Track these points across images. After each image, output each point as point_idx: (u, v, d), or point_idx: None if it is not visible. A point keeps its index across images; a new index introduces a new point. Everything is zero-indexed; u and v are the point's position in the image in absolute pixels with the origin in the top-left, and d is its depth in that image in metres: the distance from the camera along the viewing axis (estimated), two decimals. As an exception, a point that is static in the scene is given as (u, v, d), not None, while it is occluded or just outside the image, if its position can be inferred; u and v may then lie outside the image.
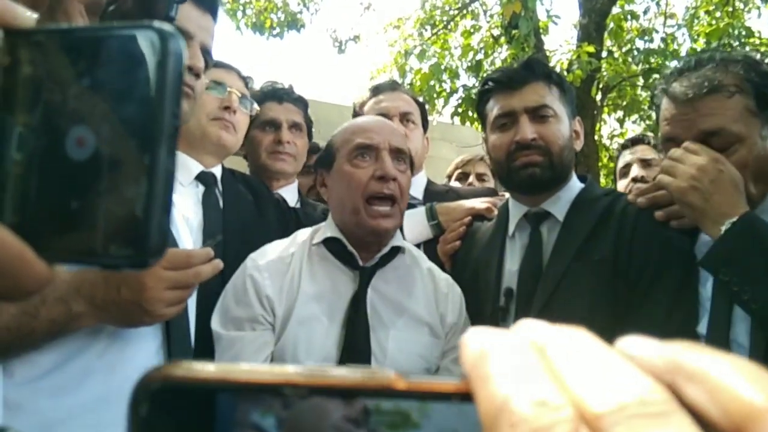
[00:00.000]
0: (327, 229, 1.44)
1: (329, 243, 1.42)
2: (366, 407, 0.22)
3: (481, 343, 0.22)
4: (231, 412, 0.22)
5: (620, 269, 1.33)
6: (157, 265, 0.97)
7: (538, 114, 1.44)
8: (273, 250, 1.44)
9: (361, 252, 1.41)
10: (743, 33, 5.52)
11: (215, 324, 1.37)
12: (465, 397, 0.21)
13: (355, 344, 1.35)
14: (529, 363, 0.21)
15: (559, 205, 1.47)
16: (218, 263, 1.11)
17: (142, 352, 1.10)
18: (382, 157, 1.39)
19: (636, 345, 0.22)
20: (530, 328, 0.23)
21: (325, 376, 0.22)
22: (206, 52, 1.27)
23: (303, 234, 1.49)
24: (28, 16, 0.31)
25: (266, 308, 1.36)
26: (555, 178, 1.45)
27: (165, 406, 0.22)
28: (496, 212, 1.66)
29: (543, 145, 1.43)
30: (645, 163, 2.45)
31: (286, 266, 1.40)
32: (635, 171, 2.45)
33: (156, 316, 1.03)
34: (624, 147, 2.63)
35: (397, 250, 1.45)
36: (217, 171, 1.69)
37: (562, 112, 1.47)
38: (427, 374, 1.30)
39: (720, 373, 0.19)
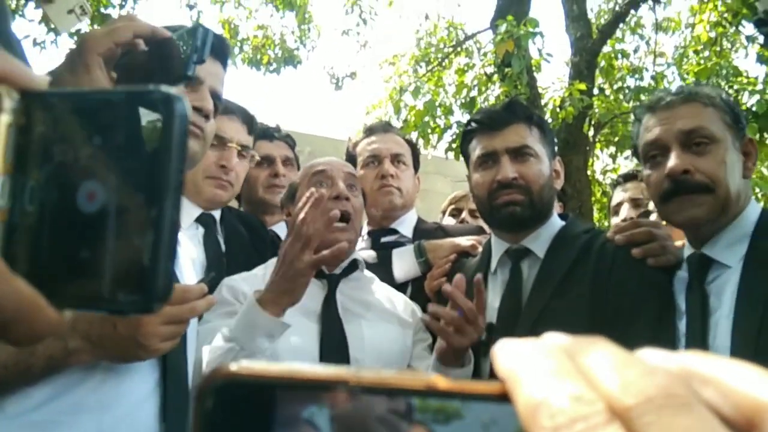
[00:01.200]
0: None
1: None
2: (409, 401, 0.24)
3: (514, 351, 0.24)
4: (287, 408, 0.24)
5: (598, 305, 1.35)
6: None
7: (519, 154, 1.49)
8: (247, 272, 1.60)
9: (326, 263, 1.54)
10: (731, 72, 5.63)
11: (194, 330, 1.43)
12: (503, 397, 0.23)
13: (331, 336, 1.48)
14: (562, 366, 0.23)
15: (539, 242, 1.50)
16: (212, 298, 1.13)
17: (137, 389, 1.10)
18: (336, 182, 1.59)
19: (651, 354, 0.25)
20: (556, 338, 0.25)
21: (375, 376, 0.24)
22: (216, 97, 1.30)
23: (273, 259, 1.59)
24: (43, 79, 0.34)
25: (242, 302, 1.43)
26: (535, 216, 1.49)
27: (228, 402, 0.24)
28: (480, 249, 1.70)
29: (523, 184, 1.47)
30: (635, 203, 2.46)
31: (261, 279, 1.51)
32: (625, 212, 2.48)
33: (151, 350, 1.03)
34: (617, 183, 2.65)
35: (356, 262, 1.63)
36: (216, 212, 1.72)
37: (542, 152, 1.52)
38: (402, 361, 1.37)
39: (730, 375, 0.22)
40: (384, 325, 1.56)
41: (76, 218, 0.32)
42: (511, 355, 0.24)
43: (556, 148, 1.61)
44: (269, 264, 1.58)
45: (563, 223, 1.55)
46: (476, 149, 1.54)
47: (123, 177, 0.32)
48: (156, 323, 1.01)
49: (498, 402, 0.23)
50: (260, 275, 1.56)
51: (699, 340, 1.24)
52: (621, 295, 1.35)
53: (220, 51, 1.34)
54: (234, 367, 0.24)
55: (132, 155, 0.32)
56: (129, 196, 0.32)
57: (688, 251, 1.36)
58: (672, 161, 1.28)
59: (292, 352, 1.40)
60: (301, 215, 1.33)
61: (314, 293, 1.53)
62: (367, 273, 1.68)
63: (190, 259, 1.43)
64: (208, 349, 1.32)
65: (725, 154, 1.29)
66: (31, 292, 0.31)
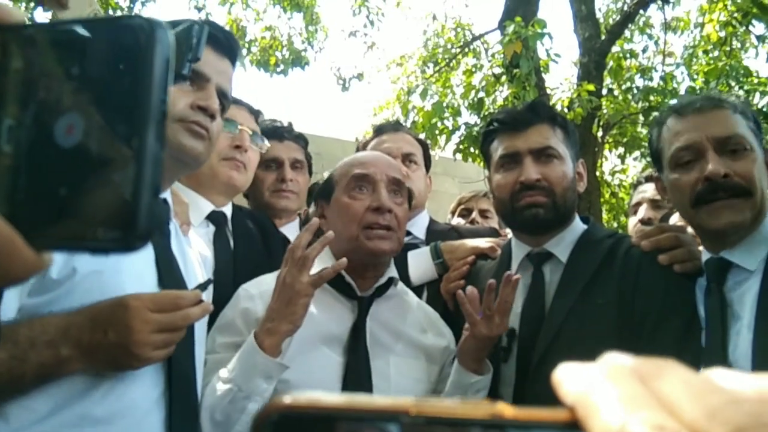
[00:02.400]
0: (324, 260, 1.44)
1: None
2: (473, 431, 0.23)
3: (581, 375, 0.23)
4: None
5: (624, 313, 1.32)
6: (144, 308, 0.97)
7: (543, 155, 1.46)
8: (267, 281, 1.44)
9: (359, 281, 1.43)
10: (741, 72, 5.59)
11: (200, 351, 1.35)
12: (572, 425, 0.22)
13: (356, 372, 1.37)
14: (636, 391, 0.21)
15: (562, 246, 1.47)
16: (208, 306, 1.10)
17: (142, 400, 1.08)
18: (378, 189, 1.42)
19: (723, 375, 0.23)
20: (620, 360, 0.24)
21: (437, 406, 0.23)
22: (223, 95, 1.27)
23: None
24: (20, 13, 0.33)
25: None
26: (558, 219, 1.46)
27: None
28: (499, 252, 1.67)
29: (547, 186, 1.44)
30: (654, 203, 2.45)
31: None
32: (643, 212, 2.46)
33: (143, 359, 1.00)
34: (638, 183, 2.65)
35: (391, 281, 1.48)
36: (228, 210, 1.70)
37: (565, 154, 1.49)
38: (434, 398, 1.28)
39: None
40: (411, 362, 1.45)
41: (54, 154, 0.31)
42: (578, 380, 0.23)
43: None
44: None
45: (585, 227, 1.53)
46: (498, 149, 1.51)
47: (103, 108, 0.31)
48: (147, 331, 0.98)
49: (567, 430, 0.22)
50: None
51: (719, 348, 1.22)
52: (648, 301, 1.32)
53: (228, 47, 1.30)
54: (289, 399, 0.24)
55: (112, 85, 0.31)
56: (109, 128, 0.31)
57: (704, 256, 1.34)
58: (712, 164, 1.25)
59: (311, 386, 1.31)
60: (297, 241, 1.25)
61: (342, 316, 1.42)
62: (402, 286, 1.55)
63: (199, 257, 1.41)
64: (208, 389, 1.26)
65: (757, 160, 1.28)
66: (7, 231, 0.30)
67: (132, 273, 1.09)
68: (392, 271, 1.49)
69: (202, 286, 1.15)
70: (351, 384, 1.35)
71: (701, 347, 1.27)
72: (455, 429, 0.23)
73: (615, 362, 0.24)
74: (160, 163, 0.31)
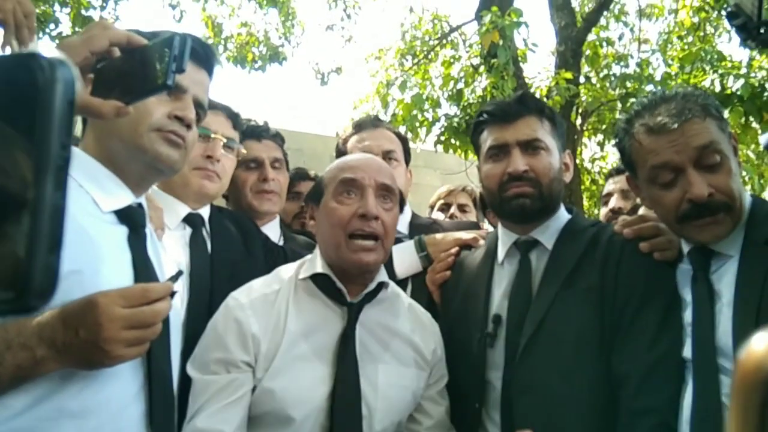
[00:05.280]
0: (314, 264, 1.45)
1: (317, 279, 1.43)
2: None
3: None
4: None
5: (607, 297, 1.37)
6: (113, 304, 0.97)
7: (530, 147, 1.49)
8: (256, 288, 1.44)
9: (349, 287, 1.42)
10: (715, 57, 5.64)
11: (190, 368, 1.36)
12: None
13: (345, 380, 1.36)
14: None
15: (548, 234, 1.51)
16: (173, 304, 1.08)
17: (119, 394, 1.08)
18: (366, 195, 1.41)
19: None
20: None
21: None
22: (199, 106, 1.29)
23: (287, 270, 1.50)
24: None
25: (248, 350, 1.34)
26: (544, 209, 1.50)
27: None
28: (481, 243, 1.69)
29: (534, 177, 1.48)
30: (624, 194, 2.55)
31: (271, 304, 1.40)
32: (614, 202, 2.58)
33: (114, 356, 0.99)
34: (610, 175, 2.76)
35: (381, 285, 1.47)
36: (205, 212, 1.69)
37: (553, 145, 1.53)
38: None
39: None
40: (401, 370, 1.45)
41: None
42: None
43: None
44: (273, 279, 1.47)
45: (570, 216, 1.56)
46: (487, 140, 1.55)
47: None
48: (117, 328, 0.98)
49: None
50: (270, 299, 1.41)
51: (708, 328, 1.26)
52: (630, 285, 1.37)
53: (206, 58, 1.33)
54: None
55: (4, 130, 0.28)
56: (2, 176, 0.27)
57: (687, 246, 1.37)
58: (695, 187, 1.27)
59: (300, 395, 1.32)
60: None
61: (332, 322, 1.41)
62: (393, 289, 1.53)
63: (174, 263, 1.41)
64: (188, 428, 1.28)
65: (731, 164, 1.30)
66: None
67: (110, 274, 1.09)
68: (382, 276, 1.48)
69: (173, 278, 1.14)
70: (340, 393, 1.34)
71: (682, 326, 1.32)
72: None
73: None
74: (60, 214, 0.28)
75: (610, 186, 2.68)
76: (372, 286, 1.45)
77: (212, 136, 1.68)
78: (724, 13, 6.29)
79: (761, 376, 0.23)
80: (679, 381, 1.29)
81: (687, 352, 1.29)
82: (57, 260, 0.28)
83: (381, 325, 1.46)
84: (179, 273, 1.18)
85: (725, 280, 1.28)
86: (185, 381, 1.34)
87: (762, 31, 1.53)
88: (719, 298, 1.28)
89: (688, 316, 1.32)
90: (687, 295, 1.34)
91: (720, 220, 1.29)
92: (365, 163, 1.49)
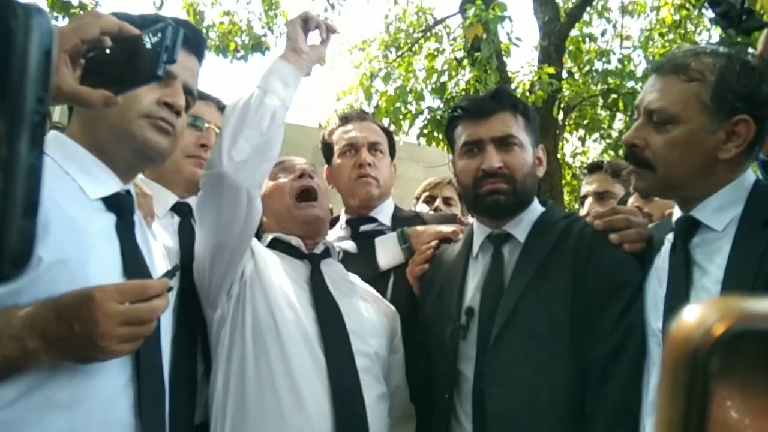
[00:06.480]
0: (266, 237, 1.68)
1: (274, 244, 1.66)
2: None
3: None
4: None
5: (577, 288, 1.40)
6: (110, 299, 0.97)
7: (504, 143, 1.51)
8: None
9: (303, 242, 1.65)
10: (695, 54, 5.72)
11: None
12: None
13: (326, 306, 1.54)
14: None
15: (521, 227, 1.54)
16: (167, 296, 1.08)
17: (108, 384, 1.08)
18: (294, 168, 1.71)
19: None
20: None
21: None
22: (189, 92, 1.28)
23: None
24: None
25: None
26: (518, 204, 1.53)
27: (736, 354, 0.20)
28: (461, 236, 1.72)
29: (508, 173, 1.50)
30: (599, 196, 2.51)
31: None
32: (588, 205, 2.51)
33: (109, 352, 0.99)
34: (584, 175, 2.71)
35: (329, 250, 1.70)
36: (193, 200, 1.69)
37: (526, 141, 1.55)
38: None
39: None
40: (372, 305, 1.64)
41: None
42: None
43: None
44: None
45: (543, 209, 1.59)
46: (462, 136, 1.56)
47: None
48: (112, 323, 0.97)
49: None
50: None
51: (682, 298, 1.27)
52: (599, 276, 1.40)
53: (196, 45, 1.32)
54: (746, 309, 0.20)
55: None
56: None
57: (677, 214, 1.38)
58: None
59: (288, 323, 1.47)
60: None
61: (299, 271, 1.60)
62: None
63: (163, 249, 1.41)
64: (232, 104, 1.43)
65: (687, 138, 1.28)
66: None
67: (97, 263, 1.09)
68: (328, 243, 1.71)
69: (170, 274, 1.14)
70: (321, 312, 1.52)
71: (642, 311, 1.35)
72: None
73: None
74: (37, 175, 0.25)
75: (585, 188, 2.63)
76: (321, 247, 1.67)
77: (206, 125, 1.70)
78: (704, 11, 6.37)
79: (689, 350, 0.22)
80: (642, 359, 1.31)
81: (658, 322, 1.29)
82: (33, 225, 0.26)
83: (342, 277, 1.66)
84: (176, 268, 1.18)
85: (715, 259, 1.26)
86: (176, 369, 1.35)
87: (744, 18, 1.55)
88: (704, 274, 1.27)
89: (659, 290, 1.32)
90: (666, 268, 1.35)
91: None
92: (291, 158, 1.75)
